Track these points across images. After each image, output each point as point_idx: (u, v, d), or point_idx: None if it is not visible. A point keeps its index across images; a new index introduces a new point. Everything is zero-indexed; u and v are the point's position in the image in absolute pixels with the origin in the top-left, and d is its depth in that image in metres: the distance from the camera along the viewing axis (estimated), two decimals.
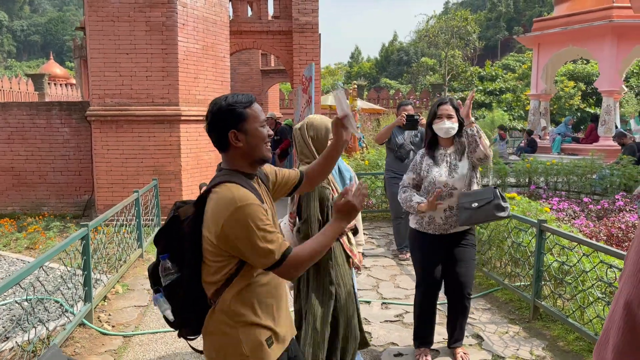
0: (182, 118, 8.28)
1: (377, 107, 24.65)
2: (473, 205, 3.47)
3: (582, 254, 4.25)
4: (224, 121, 1.93)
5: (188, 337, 2.06)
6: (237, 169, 1.99)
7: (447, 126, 3.58)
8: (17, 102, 9.53)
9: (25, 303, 4.92)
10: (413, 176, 3.81)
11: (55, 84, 28.72)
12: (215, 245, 1.87)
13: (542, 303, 4.58)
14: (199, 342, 2.09)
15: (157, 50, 8.14)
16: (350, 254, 3.22)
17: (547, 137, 17.19)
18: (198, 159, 8.74)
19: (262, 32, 10.48)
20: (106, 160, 8.30)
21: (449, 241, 3.72)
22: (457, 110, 3.62)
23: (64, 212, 9.35)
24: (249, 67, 19.05)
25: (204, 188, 1.99)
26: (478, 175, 3.74)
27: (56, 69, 33.80)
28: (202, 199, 1.93)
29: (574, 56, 18.55)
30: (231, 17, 10.61)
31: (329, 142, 3.08)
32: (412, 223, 3.83)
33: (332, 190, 3.12)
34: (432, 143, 3.71)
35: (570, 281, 4.38)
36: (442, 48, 34.60)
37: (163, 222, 2.06)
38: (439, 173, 3.61)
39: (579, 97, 30.94)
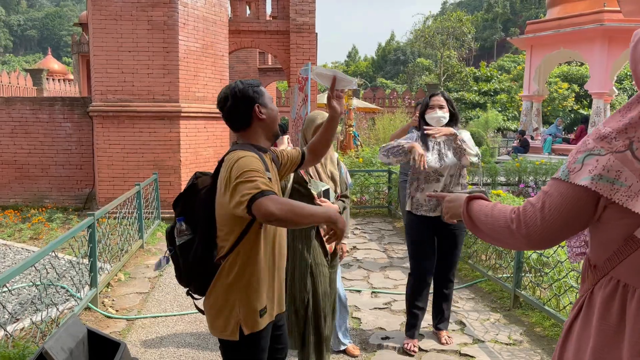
0: (182, 114, 8.54)
1: (372, 106, 24.91)
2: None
3: (558, 246, 4.54)
4: (248, 97, 2.17)
5: (194, 297, 2.31)
6: (253, 142, 2.21)
7: (438, 115, 3.83)
8: (21, 97, 9.77)
9: (34, 288, 5.20)
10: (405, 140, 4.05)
11: (53, 79, 28.85)
12: (223, 206, 2.09)
13: (522, 292, 4.88)
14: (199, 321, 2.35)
15: (158, 49, 8.39)
16: (325, 242, 3.33)
17: (539, 138, 17.52)
18: (197, 155, 8.99)
19: (260, 31, 10.74)
20: (107, 155, 8.55)
21: (439, 223, 3.92)
22: (448, 101, 3.92)
23: (66, 204, 9.59)
24: (247, 65, 19.30)
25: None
26: (465, 171, 4.02)
27: (54, 64, 33.85)
28: (218, 169, 2.18)
29: (566, 58, 18.87)
30: (230, 17, 10.86)
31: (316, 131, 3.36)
32: (407, 205, 4.06)
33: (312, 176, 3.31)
34: (424, 132, 3.93)
35: (547, 271, 4.67)
36: (438, 48, 34.89)
37: (163, 215, 2.35)
38: (428, 158, 3.82)
39: (573, 99, 31.28)
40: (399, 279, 5.99)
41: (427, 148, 3.83)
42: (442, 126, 3.84)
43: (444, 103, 3.87)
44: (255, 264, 2.17)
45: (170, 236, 2.29)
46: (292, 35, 10.60)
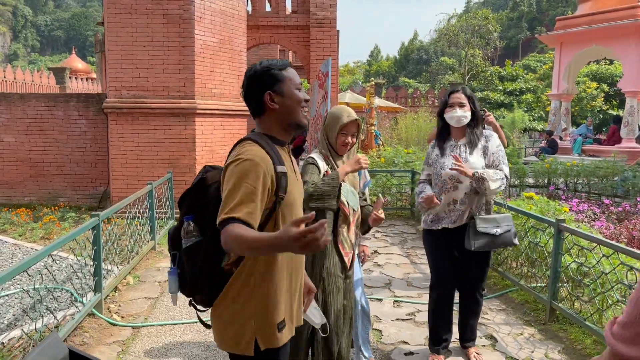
0: (198, 111, 8.27)
1: (394, 105, 24.48)
2: (494, 231, 3.42)
3: (601, 255, 4.11)
4: (260, 83, 1.94)
5: (198, 308, 2.03)
6: (268, 132, 1.98)
7: (458, 115, 3.42)
8: (36, 94, 9.61)
9: (33, 291, 4.94)
10: (427, 171, 3.70)
11: (76, 78, 29.05)
12: None
13: (559, 305, 4.46)
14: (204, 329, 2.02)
15: (173, 43, 8.13)
16: (342, 252, 3.00)
17: (568, 138, 16.90)
18: (213, 153, 8.72)
19: (280, 26, 10.43)
20: (121, 153, 8.32)
21: (459, 236, 3.53)
22: (470, 98, 3.47)
23: (80, 203, 9.40)
24: None
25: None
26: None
27: (78, 63, 34.14)
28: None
29: (597, 56, 18.19)
30: (249, 12, 10.57)
31: (338, 137, 2.98)
32: (422, 223, 3.71)
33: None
34: (443, 133, 3.59)
35: (588, 283, 4.24)
36: (462, 47, 34.26)
37: (177, 215, 2.06)
38: (445, 164, 3.46)
39: (602, 99, 30.38)
40: (423, 286, 5.61)
41: (443, 153, 3.51)
42: (462, 127, 3.49)
43: (465, 100, 3.45)
44: (275, 271, 1.91)
45: (174, 238, 2.01)
46: (312, 30, 10.27)
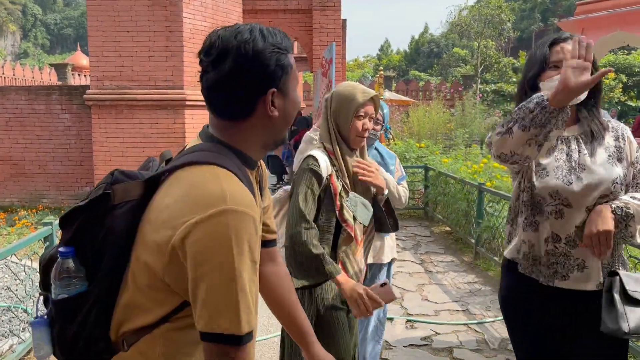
0: (187, 103, 7.62)
1: (405, 98, 23.70)
2: None
3: None
4: (264, 73, 1.20)
5: None
6: (240, 147, 1.26)
7: None
8: (16, 87, 9.00)
9: None
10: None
11: (79, 75, 28.56)
12: (150, 266, 1.13)
13: None
14: None
15: (160, 28, 7.42)
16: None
17: None
18: None
19: (279, 10, 9.70)
20: (105, 149, 7.66)
21: (572, 304, 1.90)
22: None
23: (64, 204, 8.78)
24: None
25: (173, 162, 1.23)
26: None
27: (83, 60, 33.67)
28: (159, 177, 1.20)
29: (620, 43, 17.29)
30: None
31: (353, 123, 2.19)
32: (507, 251, 2.08)
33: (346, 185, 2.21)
34: None
35: None
36: (474, 39, 33.38)
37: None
38: (544, 169, 1.89)
39: (620, 90, 29.45)
40: (440, 301, 4.83)
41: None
42: (573, 108, 1.88)
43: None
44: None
45: (45, 271, 1.25)
46: (315, 13, 9.51)
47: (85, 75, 29.36)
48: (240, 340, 1.08)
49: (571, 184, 1.82)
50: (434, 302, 4.84)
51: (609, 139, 1.90)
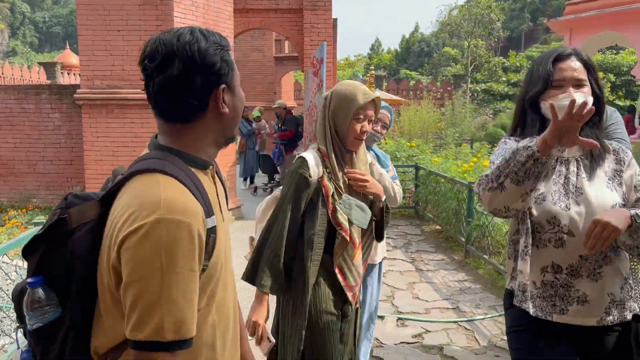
0: None
1: (396, 97, 23.72)
2: None
3: None
4: (212, 70, 1.21)
5: None
6: (190, 150, 1.24)
7: (579, 102, 1.63)
8: (5, 86, 8.89)
9: None
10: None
11: (68, 73, 28.30)
12: (108, 285, 1.14)
13: None
14: None
15: (151, 27, 7.36)
16: (343, 283, 2.17)
17: None
18: None
19: (270, 10, 9.65)
20: (96, 149, 7.59)
21: (580, 342, 1.76)
22: (591, 70, 1.81)
23: (54, 204, 8.63)
24: (262, 54, 18.28)
25: (120, 176, 1.21)
26: None
27: (72, 58, 33.30)
28: (113, 194, 1.18)
29: (608, 43, 17.42)
30: None
31: (352, 124, 2.12)
32: (509, 282, 1.94)
33: (338, 187, 2.15)
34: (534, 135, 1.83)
35: None
36: (464, 38, 33.47)
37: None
38: (541, 193, 1.78)
39: (609, 89, 29.66)
40: (431, 299, 4.88)
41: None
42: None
43: (583, 74, 1.79)
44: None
45: (19, 306, 1.22)
46: (306, 13, 9.48)
47: (74, 74, 29.10)
48: (165, 347, 1.07)
49: (569, 209, 1.72)
50: (424, 300, 4.88)
51: (609, 162, 1.80)
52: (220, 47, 1.22)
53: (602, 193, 1.73)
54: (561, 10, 16.45)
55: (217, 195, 1.31)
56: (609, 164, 1.80)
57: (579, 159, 1.80)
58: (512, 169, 1.64)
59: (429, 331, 4.19)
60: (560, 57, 1.80)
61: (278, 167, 11.46)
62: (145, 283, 1.05)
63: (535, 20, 68.18)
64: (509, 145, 1.88)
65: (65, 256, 1.17)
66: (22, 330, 1.24)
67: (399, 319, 4.46)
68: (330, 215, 2.09)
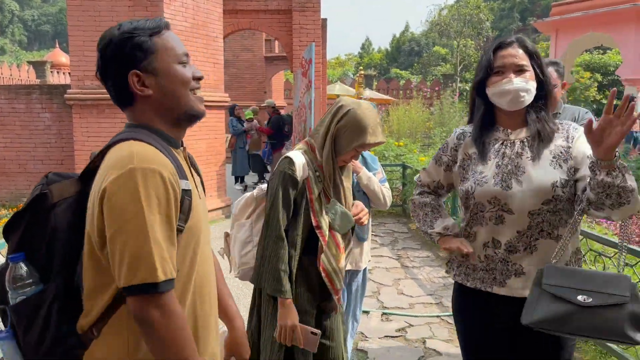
0: None
1: (386, 97, 23.86)
2: (579, 299, 1.63)
3: (624, 264, 3.47)
4: (120, 58, 1.29)
5: None
6: (154, 125, 1.35)
7: (515, 87, 1.83)
8: None
9: None
10: (435, 172, 2.16)
11: (58, 72, 28.17)
12: (94, 246, 1.23)
13: None
14: None
15: None
16: (330, 286, 2.20)
17: None
18: (187, 148, 8.04)
19: (260, 10, 9.75)
20: (87, 148, 7.65)
21: (515, 312, 1.79)
22: (533, 56, 1.90)
23: None
24: (253, 53, 18.36)
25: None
26: (583, 203, 1.78)
27: (62, 57, 33.10)
28: (91, 170, 1.30)
29: (594, 43, 17.66)
30: None
31: (349, 151, 2.15)
32: (448, 268, 2.18)
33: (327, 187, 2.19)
34: (485, 118, 1.98)
35: None
36: (454, 38, 33.68)
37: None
38: (484, 176, 1.89)
39: (595, 89, 29.95)
40: (415, 294, 5.01)
41: (482, 153, 1.93)
42: (521, 111, 1.91)
43: (526, 61, 1.87)
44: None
45: (1, 286, 1.29)
46: (294, 14, 9.59)
47: (64, 73, 28.96)
48: (158, 287, 1.16)
49: (510, 188, 1.82)
50: (409, 295, 5.01)
51: (557, 141, 1.88)
52: (131, 34, 1.29)
53: (545, 171, 1.81)
54: (550, 11, 16.64)
55: (192, 175, 1.40)
56: (556, 142, 1.87)
57: (525, 140, 1.89)
58: (420, 225, 2.20)
59: (413, 325, 4.32)
60: (502, 45, 1.91)
61: (268, 167, 11.57)
62: (128, 229, 1.14)
63: (524, 20, 68.58)
64: (448, 144, 2.10)
65: (47, 231, 1.25)
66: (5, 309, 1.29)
67: (384, 313, 4.58)
68: (312, 218, 2.12)
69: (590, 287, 1.64)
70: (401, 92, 28.35)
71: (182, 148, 1.42)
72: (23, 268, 1.23)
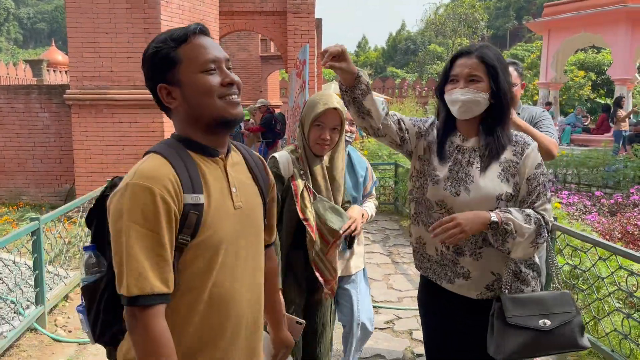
0: None
1: (381, 96, 24.05)
2: (540, 323, 1.80)
3: (598, 258, 3.69)
4: (151, 71, 1.36)
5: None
6: (188, 135, 1.39)
7: (462, 98, 1.88)
8: None
9: None
10: (408, 120, 2.11)
11: (54, 71, 28.23)
12: None
13: None
14: None
15: (138, 30, 7.61)
16: (320, 278, 2.36)
17: (557, 127, 16.58)
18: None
19: (255, 12, 9.92)
20: (85, 148, 7.82)
21: (464, 310, 1.98)
22: (491, 69, 1.89)
23: (44, 202, 8.88)
24: (248, 53, 18.51)
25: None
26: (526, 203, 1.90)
27: (58, 55, 33.14)
28: None
29: (585, 43, 17.88)
30: None
31: (311, 130, 2.31)
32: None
33: (308, 190, 2.33)
34: (448, 123, 2.02)
35: (583, 287, 3.83)
36: (449, 37, 33.88)
37: None
38: (436, 176, 1.96)
39: (589, 87, 30.17)
40: (404, 289, 5.19)
41: (440, 155, 1.99)
42: (474, 120, 1.96)
43: (480, 72, 1.89)
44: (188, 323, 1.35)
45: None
46: (289, 15, 9.76)
47: (60, 72, 29.06)
48: (134, 301, 1.20)
49: (458, 195, 1.88)
50: (398, 290, 5.20)
51: (507, 154, 1.90)
52: (158, 47, 1.33)
53: (492, 183, 1.86)
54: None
55: (228, 184, 1.40)
56: (506, 155, 1.90)
57: (477, 149, 1.93)
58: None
59: (400, 318, 4.50)
60: (460, 54, 1.96)
61: None
62: (115, 243, 1.25)
63: (520, 18, 68.78)
64: (428, 120, 2.13)
65: (105, 226, 1.37)
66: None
67: (374, 307, 4.76)
68: (298, 211, 2.27)
69: (545, 311, 1.82)
70: (397, 90, 28.53)
71: (221, 157, 1.42)
72: (92, 257, 1.42)
